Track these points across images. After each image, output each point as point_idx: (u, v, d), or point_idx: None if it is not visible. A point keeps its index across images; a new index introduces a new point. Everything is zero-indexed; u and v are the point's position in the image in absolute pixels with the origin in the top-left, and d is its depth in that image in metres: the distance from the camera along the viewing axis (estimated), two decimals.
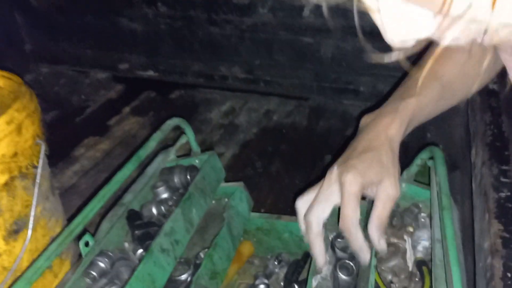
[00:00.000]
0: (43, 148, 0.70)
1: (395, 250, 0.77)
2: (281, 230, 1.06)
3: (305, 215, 0.73)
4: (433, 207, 0.75)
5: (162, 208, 0.93)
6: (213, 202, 1.04)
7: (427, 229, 0.77)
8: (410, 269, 0.74)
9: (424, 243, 0.75)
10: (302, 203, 0.75)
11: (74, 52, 2.13)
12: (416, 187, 0.88)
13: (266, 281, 0.95)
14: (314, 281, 0.83)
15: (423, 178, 0.92)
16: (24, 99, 0.70)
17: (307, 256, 1.02)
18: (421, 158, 0.87)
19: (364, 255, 0.71)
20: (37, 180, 0.69)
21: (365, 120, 0.77)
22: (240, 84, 1.92)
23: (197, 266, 0.85)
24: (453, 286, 0.57)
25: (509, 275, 0.54)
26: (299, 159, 1.53)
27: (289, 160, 1.53)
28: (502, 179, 0.68)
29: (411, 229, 0.84)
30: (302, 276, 0.99)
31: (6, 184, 0.66)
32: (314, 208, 0.72)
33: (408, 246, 0.81)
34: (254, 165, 1.52)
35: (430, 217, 0.76)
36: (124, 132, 1.72)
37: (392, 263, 0.75)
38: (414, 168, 0.89)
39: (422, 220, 0.80)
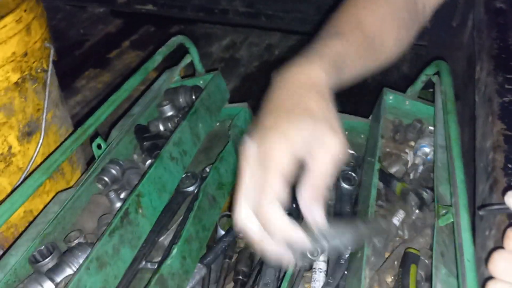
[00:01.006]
0: (52, 50, 0.70)
1: (397, 159, 0.79)
2: None
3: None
4: (437, 115, 0.76)
5: (169, 124, 0.94)
6: (217, 124, 1.05)
7: (428, 138, 0.79)
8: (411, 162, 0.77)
9: (424, 150, 0.78)
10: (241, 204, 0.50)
11: None
12: (419, 103, 0.89)
13: None
14: None
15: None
16: (31, 2, 0.70)
17: None
18: (426, 74, 0.87)
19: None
20: (48, 82, 0.70)
21: (279, 75, 0.58)
22: (241, 19, 1.89)
23: (203, 179, 0.88)
24: (456, 180, 0.60)
25: (510, 166, 0.56)
26: None
27: None
28: (507, 86, 0.69)
29: (413, 143, 0.86)
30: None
31: (17, 84, 0.67)
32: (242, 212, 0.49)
33: (409, 157, 0.83)
34: (256, 97, 1.52)
35: (434, 126, 0.78)
36: (125, 65, 1.71)
37: (393, 169, 0.78)
38: (418, 84, 0.89)
39: (425, 131, 0.82)
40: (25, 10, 0.67)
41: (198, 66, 1.04)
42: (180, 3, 1.97)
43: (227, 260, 0.88)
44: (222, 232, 0.93)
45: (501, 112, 0.65)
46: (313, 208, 0.49)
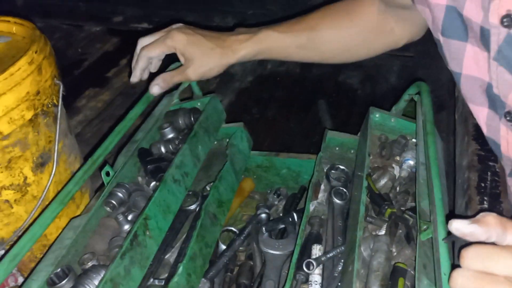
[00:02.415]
0: (61, 87, 0.76)
1: (383, 172, 0.85)
2: (280, 167, 1.15)
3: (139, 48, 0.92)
4: (418, 134, 0.83)
5: (170, 146, 1.00)
6: (216, 143, 1.11)
7: (412, 151, 0.85)
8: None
9: (409, 162, 0.84)
10: (140, 40, 0.95)
11: (67, 5, 2.13)
12: (404, 120, 0.96)
13: (267, 210, 1.04)
14: (311, 206, 0.92)
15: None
16: (40, 43, 0.75)
17: (304, 190, 1.11)
18: (409, 93, 0.94)
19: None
20: (58, 116, 0.75)
21: (237, 29, 0.93)
22: None
23: (204, 198, 0.93)
24: (434, 198, 0.66)
25: (482, 185, 0.62)
26: (293, 104, 1.60)
27: (284, 105, 1.60)
28: None
29: (398, 158, 0.93)
30: (299, 207, 1.08)
31: (31, 120, 0.72)
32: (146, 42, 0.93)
33: (396, 171, 0.89)
34: (251, 111, 1.58)
35: (416, 144, 0.84)
36: (123, 83, 1.77)
37: (381, 182, 0.84)
38: (402, 103, 0.96)
39: (408, 145, 0.88)
40: (36, 52, 0.73)
41: (196, 89, 1.10)
42: (175, 21, 2.02)
43: (228, 273, 0.94)
44: (223, 247, 0.99)
45: (476, 133, 0.71)
46: (158, 84, 0.96)
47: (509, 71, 0.56)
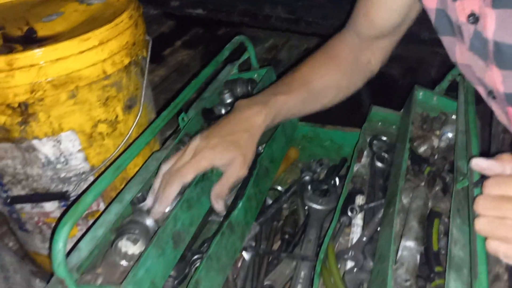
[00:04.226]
0: (150, 42, 0.89)
1: (424, 140, 0.95)
2: (323, 138, 1.25)
3: (165, 173, 0.80)
4: (459, 108, 0.92)
5: (229, 109, 1.12)
6: None
7: (451, 125, 0.94)
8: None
9: (448, 135, 0.93)
10: (164, 164, 0.81)
11: None
12: (446, 99, 1.05)
13: (310, 173, 1.14)
14: (355, 167, 1.02)
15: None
16: (135, 3, 0.89)
17: (345, 162, 1.21)
18: (452, 74, 1.03)
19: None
20: (146, 67, 0.89)
21: (239, 103, 0.90)
22: (282, 24, 2.07)
23: (259, 155, 1.05)
24: (471, 153, 0.75)
25: None
26: None
27: None
28: None
29: (438, 132, 1.02)
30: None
31: (126, 67, 0.85)
32: (174, 169, 0.79)
33: (435, 142, 0.98)
34: None
35: (457, 116, 0.93)
36: (177, 62, 1.91)
37: (421, 149, 0.93)
38: (445, 83, 1.05)
39: (448, 120, 0.97)
40: (133, 9, 0.87)
41: (254, 62, 1.22)
42: (227, 8, 2.16)
43: (275, 222, 1.05)
44: (270, 202, 1.10)
45: None
46: (216, 198, 0.82)
47: (480, 57, 0.70)
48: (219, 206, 0.82)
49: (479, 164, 0.55)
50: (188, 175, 0.77)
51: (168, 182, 0.76)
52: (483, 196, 0.54)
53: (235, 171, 0.82)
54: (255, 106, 0.87)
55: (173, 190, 0.76)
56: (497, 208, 0.52)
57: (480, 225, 0.53)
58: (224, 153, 0.80)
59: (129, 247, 0.70)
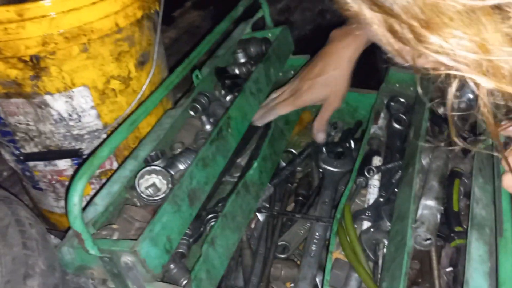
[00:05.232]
0: None
1: (443, 100, 0.92)
2: None
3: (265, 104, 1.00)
4: None
5: (243, 69, 1.10)
6: (280, 74, 1.20)
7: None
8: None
9: (468, 95, 0.90)
10: (274, 93, 1.02)
11: None
12: None
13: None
14: (372, 129, 1.00)
15: None
16: None
17: (360, 124, 1.18)
18: None
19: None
20: (159, 22, 0.86)
21: (334, 32, 0.98)
22: None
23: None
24: None
25: None
26: None
27: None
28: None
29: (458, 93, 0.99)
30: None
31: (139, 21, 0.82)
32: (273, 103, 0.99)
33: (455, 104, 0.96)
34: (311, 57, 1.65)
35: None
36: (188, 23, 1.86)
37: (441, 109, 0.91)
38: None
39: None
40: None
41: (268, 20, 1.18)
42: None
43: (289, 184, 1.04)
44: (284, 164, 1.09)
45: None
46: (318, 129, 0.99)
47: None
48: (320, 138, 1.00)
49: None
50: (285, 110, 0.97)
51: (267, 112, 0.96)
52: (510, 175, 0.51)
53: (329, 106, 0.97)
54: (346, 38, 0.93)
55: (269, 119, 0.97)
56: None
57: (510, 181, 0.51)
58: (316, 94, 0.95)
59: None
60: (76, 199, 0.57)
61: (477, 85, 0.41)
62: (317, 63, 0.97)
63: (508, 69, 0.40)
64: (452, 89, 0.47)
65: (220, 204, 0.87)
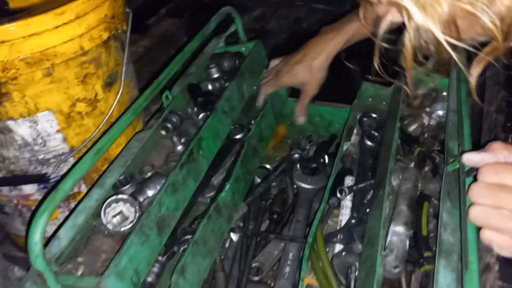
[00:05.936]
0: (131, 14, 0.84)
1: (414, 119, 0.93)
2: (313, 114, 1.22)
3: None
4: (451, 85, 0.89)
5: (216, 84, 1.08)
6: (255, 88, 1.19)
7: (442, 103, 0.92)
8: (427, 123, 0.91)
9: (438, 112, 0.91)
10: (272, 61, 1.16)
11: None
12: (436, 75, 1.02)
13: (300, 151, 1.12)
14: (344, 146, 1.00)
15: None
16: None
17: (334, 137, 1.19)
18: None
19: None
20: (127, 41, 0.84)
21: (324, 28, 1.07)
22: None
23: (248, 130, 1.01)
24: (463, 134, 0.73)
25: (508, 124, 0.70)
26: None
27: None
28: None
29: (428, 109, 0.99)
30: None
31: (105, 42, 0.81)
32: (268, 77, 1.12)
33: (425, 120, 0.96)
34: None
35: (448, 93, 0.91)
36: (162, 31, 1.84)
37: (411, 128, 0.91)
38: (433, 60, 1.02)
39: (439, 97, 0.95)
40: None
41: (242, 35, 1.17)
42: None
43: (263, 202, 1.04)
44: (259, 180, 1.08)
45: (505, 83, 0.78)
46: (299, 112, 1.12)
47: None
48: (301, 120, 1.13)
49: (471, 159, 0.53)
50: (269, 90, 1.08)
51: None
52: (478, 183, 0.51)
53: (307, 92, 1.07)
54: (330, 33, 1.04)
55: (260, 98, 1.08)
56: (493, 196, 0.49)
57: (475, 214, 0.51)
58: (295, 77, 1.05)
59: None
60: (37, 237, 0.55)
61: (409, 17, 0.46)
62: (300, 52, 1.08)
63: (444, 9, 0.43)
64: (387, 18, 0.52)
65: (196, 221, 0.85)
